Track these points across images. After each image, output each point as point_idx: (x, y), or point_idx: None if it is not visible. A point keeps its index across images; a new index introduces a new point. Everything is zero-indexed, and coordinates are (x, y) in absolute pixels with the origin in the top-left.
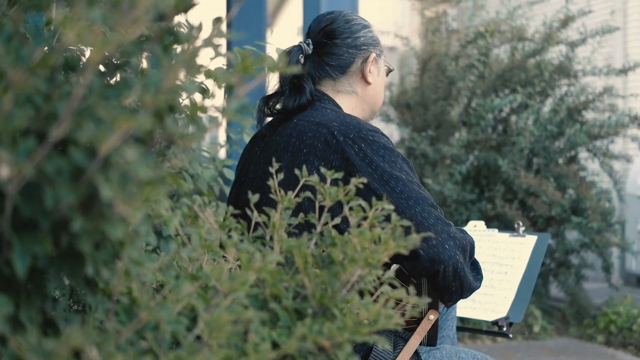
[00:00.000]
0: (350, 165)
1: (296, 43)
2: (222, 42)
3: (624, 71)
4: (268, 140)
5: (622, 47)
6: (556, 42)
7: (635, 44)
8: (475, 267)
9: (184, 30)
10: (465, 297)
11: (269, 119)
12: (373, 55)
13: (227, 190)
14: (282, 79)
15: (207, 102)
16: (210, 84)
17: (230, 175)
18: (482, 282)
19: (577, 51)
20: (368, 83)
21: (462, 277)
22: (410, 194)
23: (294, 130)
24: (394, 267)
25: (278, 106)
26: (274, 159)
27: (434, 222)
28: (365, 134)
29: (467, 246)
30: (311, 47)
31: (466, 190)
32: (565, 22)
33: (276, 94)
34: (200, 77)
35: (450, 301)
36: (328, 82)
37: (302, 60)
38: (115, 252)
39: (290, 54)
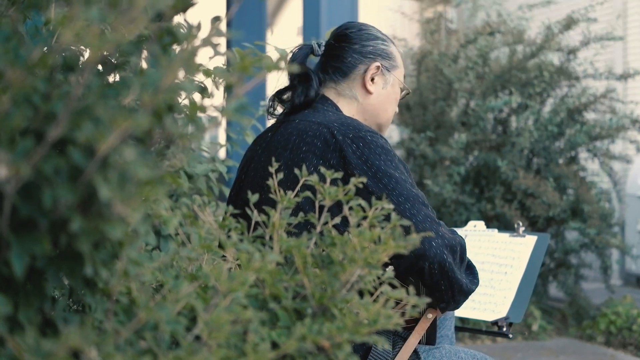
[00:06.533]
0: (347, 163)
1: (297, 43)
2: (222, 41)
3: (624, 77)
4: (270, 139)
5: (621, 53)
6: (556, 48)
7: (635, 50)
8: (472, 271)
9: (182, 29)
10: (460, 300)
11: (273, 121)
12: (377, 64)
13: (226, 189)
14: (292, 75)
15: (207, 102)
16: (209, 83)
17: (229, 174)
18: (482, 282)
19: (579, 53)
20: (369, 92)
21: (451, 277)
22: (401, 191)
23: (295, 129)
24: (392, 267)
25: (285, 98)
26: (273, 159)
27: (423, 220)
28: (364, 134)
29: (457, 246)
30: (322, 48)
31: (466, 191)
32: (568, 25)
33: (287, 89)
34: (199, 77)
35: (442, 303)
36: (330, 85)
37: (309, 59)
38: (114, 252)
39: (300, 50)
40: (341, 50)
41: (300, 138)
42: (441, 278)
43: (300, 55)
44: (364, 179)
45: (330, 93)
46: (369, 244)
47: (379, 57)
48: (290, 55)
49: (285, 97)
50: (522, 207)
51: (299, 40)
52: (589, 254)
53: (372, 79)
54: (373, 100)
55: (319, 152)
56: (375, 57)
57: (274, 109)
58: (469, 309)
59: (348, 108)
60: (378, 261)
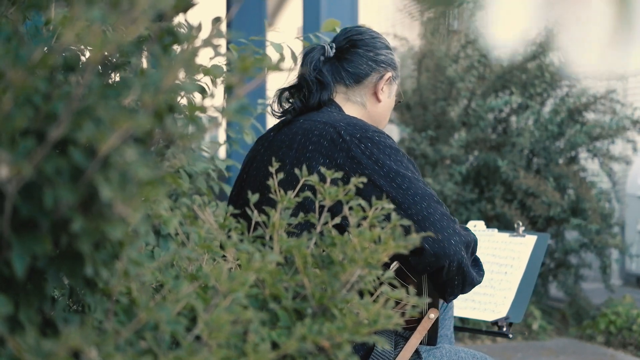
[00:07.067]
0: (356, 164)
1: (296, 43)
2: (222, 42)
3: (625, 77)
4: (272, 139)
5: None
6: (556, 48)
7: (635, 50)
8: (477, 263)
9: (183, 30)
10: (466, 292)
11: (274, 120)
12: (389, 74)
13: (227, 189)
14: (303, 76)
15: (207, 102)
16: (209, 83)
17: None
18: (482, 281)
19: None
20: (378, 100)
21: (465, 273)
22: (416, 190)
23: (300, 129)
24: (394, 266)
25: (290, 99)
26: (274, 158)
27: (440, 218)
28: (372, 134)
29: (472, 243)
30: (333, 50)
31: (466, 191)
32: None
33: (292, 87)
34: (199, 76)
35: (452, 295)
36: (340, 89)
37: (322, 60)
38: (114, 252)
39: (313, 51)
40: (355, 55)
41: (306, 137)
42: (457, 274)
43: (316, 58)
44: (367, 179)
45: (339, 97)
46: (369, 244)
47: (389, 68)
48: (302, 56)
49: (291, 95)
50: (522, 207)
51: (298, 41)
52: (588, 254)
53: (382, 88)
54: (380, 109)
55: (325, 152)
56: (387, 67)
57: (280, 106)
58: (469, 309)
59: (354, 113)
60: (378, 261)
